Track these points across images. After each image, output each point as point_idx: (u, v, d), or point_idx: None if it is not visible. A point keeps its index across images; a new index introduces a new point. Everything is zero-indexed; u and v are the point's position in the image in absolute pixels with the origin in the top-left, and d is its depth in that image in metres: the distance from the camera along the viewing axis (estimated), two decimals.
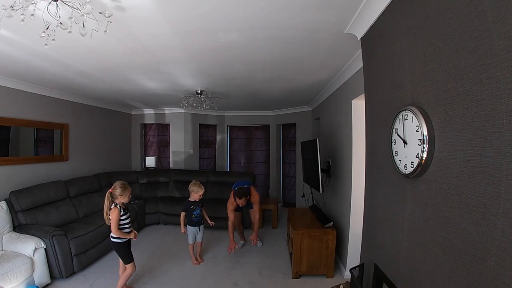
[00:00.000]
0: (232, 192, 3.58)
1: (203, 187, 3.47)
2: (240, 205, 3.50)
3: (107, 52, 2.47)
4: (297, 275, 3.09)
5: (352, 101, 2.91)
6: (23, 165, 3.62)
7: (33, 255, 2.72)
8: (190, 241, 3.42)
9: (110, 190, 2.59)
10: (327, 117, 4.16)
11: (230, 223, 3.54)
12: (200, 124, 6.47)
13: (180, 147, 6.15)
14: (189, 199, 3.45)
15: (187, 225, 3.41)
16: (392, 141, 1.41)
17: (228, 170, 7.03)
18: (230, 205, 3.56)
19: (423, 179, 1.18)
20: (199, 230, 3.45)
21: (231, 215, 3.55)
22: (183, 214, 3.42)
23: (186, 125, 6.15)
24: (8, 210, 3.06)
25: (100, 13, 1.55)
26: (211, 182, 5.63)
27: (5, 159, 3.38)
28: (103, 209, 2.57)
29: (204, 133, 6.68)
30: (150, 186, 5.57)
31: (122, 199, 2.59)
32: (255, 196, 3.61)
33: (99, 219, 3.70)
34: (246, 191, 3.50)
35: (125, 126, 6.12)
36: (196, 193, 3.39)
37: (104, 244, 3.61)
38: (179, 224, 4.84)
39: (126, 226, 2.66)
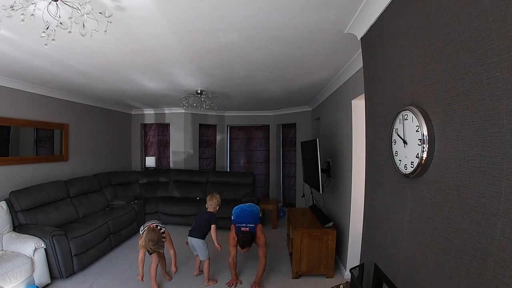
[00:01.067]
0: (233, 227, 2.98)
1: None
2: (242, 252, 2.90)
3: (107, 52, 2.47)
4: (297, 275, 3.09)
5: (352, 101, 2.91)
6: (23, 165, 3.62)
7: (33, 255, 2.72)
8: (206, 256, 2.98)
9: (152, 227, 2.69)
10: (327, 117, 4.16)
11: (230, 259, 2.97)
12: (200, 124, 6.47)
13: (180, 147, 6.15)
14: (209, 210, 3.10)
15: (203, 239, 3.00)
16: (392, 141, 1.41)
17: (228, 170, 7.03)
18: (232, 240, 2.93)
19: (423, 179, 1.18)
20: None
21: (232, 250, 2.96)
22: (214, 226, 3.03)
23: (186, 125, 6.15)
24: (8, 210, 3.05)
25: (100, 13, 1.55)
26: (211, 182, 5.63)
27: (5, 159, 3.38)
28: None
29: (204, 133, 6.68)
30: (150, 186, 5.57)
31: (149, 247, 2.64)
32: (260, 239, 2.92)
33: (99, 219, 3.71)
34: (250, 237, 2.84)
35: (125, 126, 6.12)
36: (218, 205, 3.13)
37: (104, 244, 3.61)
38: (179, 224, 4.90)
39: None
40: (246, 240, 2.79)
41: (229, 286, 2.96)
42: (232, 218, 3.14)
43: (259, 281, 2.96)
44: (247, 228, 2.91)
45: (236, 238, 2.90)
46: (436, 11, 1.07)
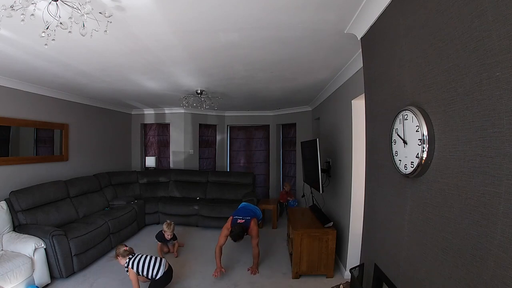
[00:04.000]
0: (231, 219, 3.29)
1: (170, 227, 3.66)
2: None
3: (107, 52, 2.47)
4: (297, 275, 3.09)
5: (352, 101, 2.91)
6: (23, 165, 3.62)
7: (33, 255, 2.72)
8: None
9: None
10: (327, 117, 4.16)
11: (217, 248, 3.14)
12: (200, 124, 6.47)
13: (180, 147, 6.15)
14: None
15: None
16: (392, 141, 1.41)
17: (228, 170, 7.03)
18: (225, 230, 3.20)
19: (423, 179, 1.18)
20: None
21: (221, 240, 3.18)
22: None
23: (186, 125, 6.15)
24: (8, 210, 3.05)
25: (100, 13, 1.55)
26: (211, 182, 5.63)
27: (5, 159, 3.38)
28: None
29: (204, 133, 6.68)
30: (150, 186, 5.57)
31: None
32: (253, 230, 3.21)
33: (99, 219, 3.71)
34: (242, 230, 3.12)
35: (125, 126, 6.12)
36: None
37: (104, 244, 3.61)
38: (179, 224, 4.91)
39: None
40: (239, 233, 3.07)
41: (215, 276, 3.07)
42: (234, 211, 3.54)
43: (257, 267, 3.25)
44: (243, 220, 3.21)
45: (229, 229, 3.16)
46: (436, 11, 1.07)
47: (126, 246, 2.80)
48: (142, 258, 2.69)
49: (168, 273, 2.73)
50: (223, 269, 3.12)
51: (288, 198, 5.68)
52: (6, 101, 3.40)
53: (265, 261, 3.55)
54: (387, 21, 1.53)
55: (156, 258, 2.73)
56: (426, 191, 1.16)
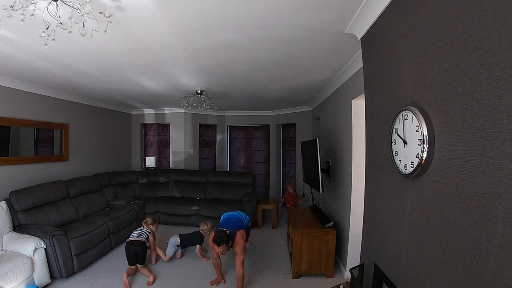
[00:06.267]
0: (214, 230, 2.97)
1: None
2: (218, 253, 2.79)
3: (107, 52, 2.47)
4: (297, 275, 3.09)
5: (352, 101, 2.91)
6: (23, 165, 3.62)
7: (33, 255, 2.72)
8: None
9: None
10: (327, 117, 4.16)
11: (213, 260, 2.97)
12: (200, 124, 6.47)
13: (180, 147, 6.15)
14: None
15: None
16: (392, 141, 1.41)
17: (228, 170, 7.03)
18: (211, 242, 2.81)
19: (423, 179, 1.18)
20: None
21: (214, 252, 2.90)
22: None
23: (186, 125, 6.15)
24: (8, 210, 3.05)
25: (100, 13, 1.55)
26: (211, 182, 5.63)
27: (5, 159, 3.38)
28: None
29: (204, 133, 6.68)
30: (150, 186, 5.57)
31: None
32: (239, 244, 2.79)
33: (99, 219, 3.71)
34: (226, 236, 2.74)
35: (125, 126, 6.12)
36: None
37: (104, 244, 3.61)
38: (179, 224, 4.91)
39: None
40: (219, 237, 2.69)
41: (212, 284, 2.98)
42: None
43: None
44: (227, 232, 2.87)
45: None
46: (436, 11, 1.07)
47: (147, 219, 3.51)
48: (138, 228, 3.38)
49: (130, 243, 3.12)
50: (223, 280, 3.01)
51: (299, 201, 5.18)
52: (6, 101, 3.40)
53: (265, 261, 3.55)
54: (387, 21, 1.53)
55: (137, 230, 3.34)
56: (426, 191, 1.16)
